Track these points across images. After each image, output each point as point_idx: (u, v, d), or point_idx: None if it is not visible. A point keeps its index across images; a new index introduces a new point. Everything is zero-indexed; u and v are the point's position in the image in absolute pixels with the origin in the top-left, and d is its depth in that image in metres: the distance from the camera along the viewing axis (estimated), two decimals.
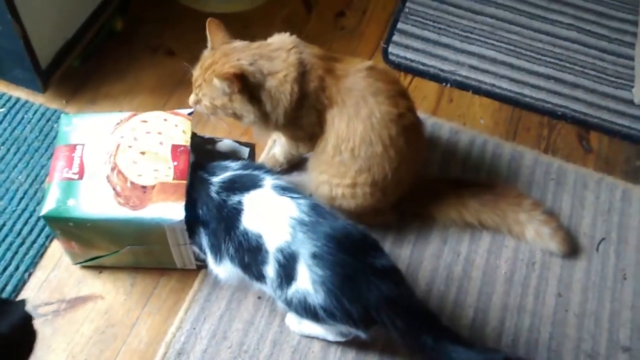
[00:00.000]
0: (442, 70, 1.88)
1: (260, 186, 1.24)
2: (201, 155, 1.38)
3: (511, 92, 1.85)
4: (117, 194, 1.26)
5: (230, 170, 1.29)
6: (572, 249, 1.55)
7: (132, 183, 1.27)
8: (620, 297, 1.52)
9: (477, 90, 1.85)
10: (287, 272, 1.18)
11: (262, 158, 1.64)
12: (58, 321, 1.39)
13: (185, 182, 1.27)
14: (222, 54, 1.32)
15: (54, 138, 1.43)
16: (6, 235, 1.47)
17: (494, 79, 1.88)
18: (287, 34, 1.36)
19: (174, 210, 1.24)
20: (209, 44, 1.38)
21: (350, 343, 1.36)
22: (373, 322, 1.17)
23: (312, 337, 1.39)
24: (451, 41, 1.95)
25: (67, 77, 1.73)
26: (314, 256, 1.15)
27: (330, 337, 1.35)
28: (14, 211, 1.51)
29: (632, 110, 1.85)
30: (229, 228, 1.22)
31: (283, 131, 1.43)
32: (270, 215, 1.20)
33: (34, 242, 1.47)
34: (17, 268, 1.43)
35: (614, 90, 1.89)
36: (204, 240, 1.28)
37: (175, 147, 1.31)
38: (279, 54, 1.31)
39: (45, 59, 1.62)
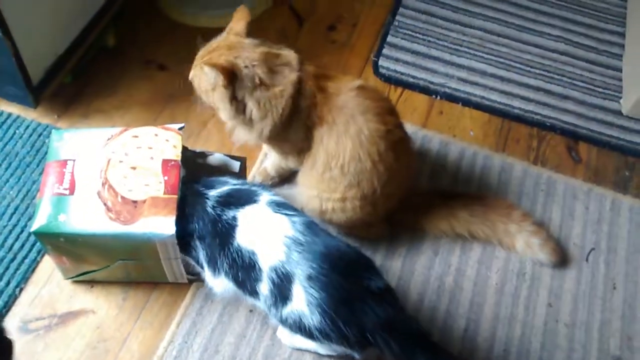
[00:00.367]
0: (432, 83, 1.90)
1: (255, 201, 1.24)
2: (192, 170, 1.38)
3: (500, 104, 1.87)
4: (108, 209, 1.26)
5: (229, 185, 1.29)
6: (561, 259, 1.56)
7: (123, 198, 1.27)
8: (610, 307, 1.52)
9: (467, 103, 1.87)
10: (281, 292, 1.18)
11: (253, 171, 1.65)
12: (50, 336, 1.38)
13: (176, 196, 1.28)
14: (227, 45, 1.33)
15: (46, 153, 1.44)
16: None
17: (483, 91, 1.89)
18: (292, 51, 1.37)
19: (164, 225, 1.25)
20: (226, 29, 1.38)
21: (342, 357, 1.37)
22: (368, 343, 1.17)
23: (304, 351, 1.39)
24: (441, 54, 1.97)
25: (59, 93, 1.74)
26: (310, 278, 1.15)
27: (322, 351, 1.36)
28: (5, 226, 1.51)
29: (620, 121, 1.87)
30: (224, 243, 1.22)
31: (268, 144, 1.45)
32: (265, 232, 1.20)
33: (25, 257, 1.47)
34: (8, 283, 1.43)
35: (602, 101, 1.91)
36: (201, 254, 1.28)
37: (166, 162, 1.32)
38: (282, 69, 1.32)
39: (37, 75, 1.62)
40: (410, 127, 1.76)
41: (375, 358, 1.31)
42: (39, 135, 1.66)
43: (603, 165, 1.78)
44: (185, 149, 1.40)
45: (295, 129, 1.36)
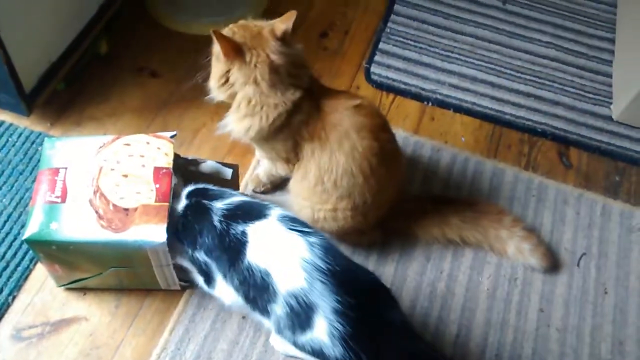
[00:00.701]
0: (424, 89, 1.91)
1: (265, 216, 1.21)
2: (184, 177, 1.39)
3: (492, 110, 1.88)
4: (100, 217, 1.27)
5: (235, 197, 1.27)
6: (552, 264, 1.56)
7: (114, 206, 1.28)
8: (601, 312, 1.53)
9: (458, 109, 1.88)
10: (301, 319, 1.15)
11: (246, 178, 1.66)
12: (42, 344, 1.38)
13: (167, 204, 1.28)
14: (255, 33, 1.31)
15: (39, 161, 1.44)
16: None
17: (474, 98, 1.90)
18: (309, 70, 1.37)
19: (156, 233, 1.25)
20: (272, 21, 1.35)
21: None
22: None
23: (297, 358, 1.39)
24: (432, 60, 1.98)
25: (51, 100, 1.74)
26: (336, 312, 1.11)
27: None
28: None
29: (610, 126, 1.88)
30: (233, 259, 1.20)
31: (256, 145, 1.46)
32: (279, 252, 1.17)
33: (18, 265, 1.47)
34: (1, 291, 1.43)
35: (592, 106, 1.92)
36: (214, 267, 1.26)
37: (157, 170, 1.33)
38: (289, 85, 1.32)
39: (30, 83, 1.63)
40: (402, 134, 1.78)
41: None
42: (32, 143, 1.66)
43: (594, 171, 1.79)
44: (177, 157, 1.41)
45: (283, 140, 1.37)
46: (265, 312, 1.21)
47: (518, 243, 1.53)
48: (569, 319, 1.52)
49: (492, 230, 1.54)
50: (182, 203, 1.30)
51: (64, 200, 1.29)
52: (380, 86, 1.91)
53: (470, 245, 1.58)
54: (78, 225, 1.27)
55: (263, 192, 1.63)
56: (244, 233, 1.19)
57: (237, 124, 1.37)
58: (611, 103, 1.93)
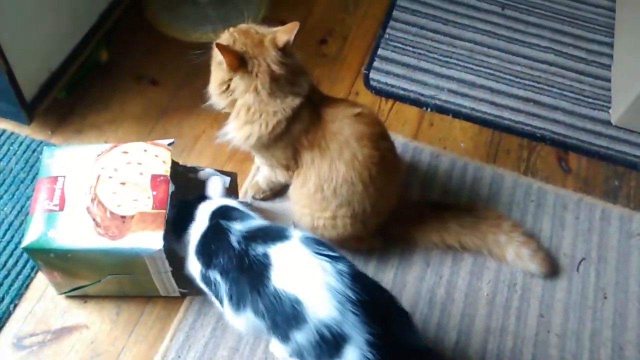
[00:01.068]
0: (423, 95, 1.91)
1: (287, 237, 1.18)
2: (183, 184, 1.40)
3: (491, 115, 1.88)
4: (97, 225, 1.28)
5: (254, 219, 1.26)
6: (552, 269, 1.56)
7: (111, 213, 1.29)
8: (601, 316, 1.53)
9: (457, 114, 1.88)
10: (330, 349, 1.12)
11: (245, 185, 1.67)
12: (44, 352, 1.39)
13: (164, 211, 1.29)
14: (257, 41, 1.32)
15: None
16: None
17: (473, 103, 1.91)
18: (308, 78, 1.37)
19: (152, 240, 1.26)
20: (275, 29, 1.35)
21: None
22: None
23: None
24: (431, 66, 1.98)
25: (52, 109, 1.75)
26: (369, 343, 1.09)
27: None
28: None
29: (609, 130, 1.88)
30: (256, 283, 1.15)
31: (256, 153, 1.46)
32: (307, 278, 1.12)
33: (19, 273, 1.48)
34: (2, 300, 1.44)
35: (591, 111, 1.92)
36: (222, 289, 1.22)
37: (155, 177, 1.33)
38: (288, 93, 1.33)
39: (30, 92, 1.64)
40: (401, 139, 1.79)
41: None
42: (33, 152, 1.68)
43: (593, 175, 1.79)
44: (176, 164, 1.42)
45: (283, 148, 1.38)
46: (285, 338, 1.16)
47: (517, 248, 1.53)
48: (569, 324, 1.51)
49: (491, 235, 1.54)
50: (205, 223, 1.28)
51: (62, 209, 1.30)
52: (379, 92, 1.91)
53: (469, 250, 1.58)
54: (76, 233, 1.27)
55: (263, 199, 1.63)
56: (265, 255, 1.15)
57: (237, 132, 1.38)
58: (610, 107, 1.93)
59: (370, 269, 1.55)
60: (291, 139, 1.36)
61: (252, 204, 1.61)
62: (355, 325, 1.09)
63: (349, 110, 1.38)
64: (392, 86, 1.93)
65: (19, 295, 1.46)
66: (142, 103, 1.82)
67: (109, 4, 1.83)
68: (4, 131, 1.70)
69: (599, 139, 1.86)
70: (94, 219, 1.28)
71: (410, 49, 2.02)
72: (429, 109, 1.89)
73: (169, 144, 1.40)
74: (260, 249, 1.16)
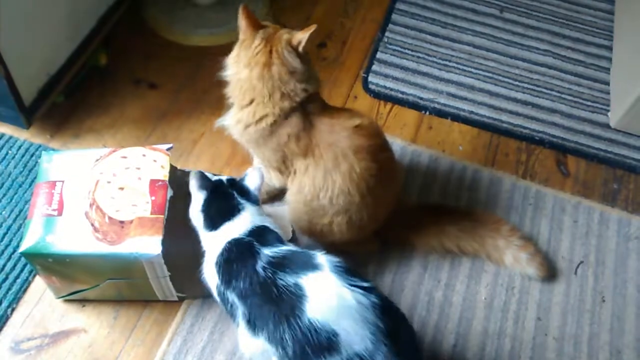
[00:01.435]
0: (421, 99, 1.91)
1: (317, 267, 1.15)
2: (182, 189, 1.39)
3: (489, 118, 1.89)
4: (96, 230, 1.28)
5: (283, 244, 1.23)
6: (549, 273, 1.56)
7: (110, 218, 1.29)
8: (599, 320, 1.53)
9: (456, 118, 1.88)
10: None
11: None
12: (41, 356, 1.39)
13: (162, 216, 1.29)
14: (274, 37, 1.34)
15: None
16: None
17: (472, 106, 1.91)
18: (303, 85, 1.36)
19: (151, 245, 1.26)
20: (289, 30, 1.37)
21: None
22: None
23: None
24: (430, 69, 1.98)
25: (51, 113, 1.76)
26: None
27: None
28: None
29: (608, 134, 1.88)
30: (286, 313, 1.12)
31: (250, 150, 1.46)
32: (344, 311, 1.11)
33: (17, 277, 1.48)
34: (0, 304, 1.44)
35: (590, 114, 1.92)
36: (239, 312, 1.20)
37: (153, 182, 1.34)
38: (282, 94, 1.33)
39: (29, 96, 1.64)
40: (399, 143, 1.79)
41: None
42: (32, 156, 1.68)
43: (591, 179, 1.79)
44: (174, 169, 1.42)
45: (272, 150, 1.38)
46: None
47: (515, 252, 1.53)
48: (567, 327, 1.51)
49: (489, 239, 1.54)
50: (237, 234, 1.24)
51: (60, 213, 1.30)
52: (377, 95, 1.92)
53: (467, 254, 1.58)
54: (74, 238, 1.28)
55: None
56: (298, 286, 1.12)
57: (232, 116, 1.39)
58: (609, 110, 1.93)
59: (368, 273, 1.55)
60: (279, 142, 1.36)
61: None
62: (386, 356, 1.10)
63: (347, 122, 1.36)
64: (391, 89, 1.93)
65: (16, 299, 1.46)
66: (141, 107, 1.83)
67: (107, 8, 1.84)
68: (2, 135, 1.71)
69: (597, 142, 1.86)
70: (92, 224, 1.29)
71: (409, 52, 2.02)
72: (427, 112, 1.89)
73: (168, 149, 1.41)
74: (290, 279, 1.13)
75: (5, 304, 1.44)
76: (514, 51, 2.06)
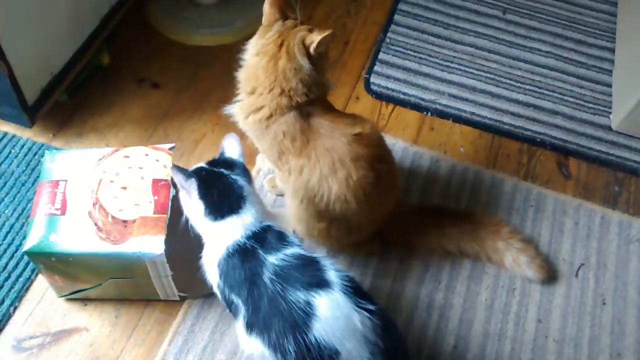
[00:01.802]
0: (423, 100, 1.91)
1: (328, 285, 1.14)
2: None
3: (491, 120, 1.89)
4: (99, 229, 1.28)
5: (289, 245, 1.20)
6: (549, 276, 1.56)
7: (113, 217, 1.30)
8: (599, 323, 1.53)
9: (458, 119, 1.89)
10: None
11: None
12: (43, 355, 1.40)
13: (165, 215, 1.30)
14: (293, 23, 1.34)
15: None
16: None
17: (473, 108, 1.91)
18: (303, 87, 1.33)
19: (154, 244, 1.27)
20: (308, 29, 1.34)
21: None
22: None
23: None
24: (432, 70, 1.99)
25: (54, 112, 1.76)
26: None
27: None
28: None
29: (610, 136, 1.89)
30: (293, 329, 1.12)
31: (253, 139, 1.44)
32: (348, 331, 1.13)
33: (19, 276, 1.49)
34: (2, 302, 1.45)
35: (592, 116, 1.93)
36: (241, 312, 1.19)
37: (156, 182, 1.34)
38: (280, 92, 1.31)
39: (32, 95, 1.65)
40: (401, 144, 1.80)
41: None
42: (34, 154, 1.68)
43: (593, 181, 1.79)
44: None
45: (269, 143, 1.36)
46: None
47: (515, 255, 1.53)
48: (567, 330, 1.52)
49: (489, 241, 1.54)
50: (237, 236, 1.21)
51: (63, 213, 1.31)
52: (379, 96, 1.92)
53: (468, 256, 1.58)
54: (77, 237, 1.28)
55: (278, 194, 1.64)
56: (309, 304, 1.12)
57: (237, 105, 1.37)
58: (610, 113, 1.93)
59: (369, 274, 1.56)
60: (275, 136, 1.33)
61: None
62: None
63: (348, 129, 1.34)
64: (393, 90, 1.93)
65: (19, 297, 1.46)
66: (143, 106, 1.83)
67: (110, 8, 1.84)
68: (5, 134, 1.71)
69: (599, 145, 1.86)
70: (95, 223, 1.29)
71: (411, 53, 2.03)
72: (429, 114, 1.90)
73: (170, 149, 1.41)
74: (301, 295, 1.12)
75: (7, 302, 1.45)
76: (516, 53, 2.06)
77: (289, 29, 1.31)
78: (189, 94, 1.87)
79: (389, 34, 2.07)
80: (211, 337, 1.44)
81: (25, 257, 1.50)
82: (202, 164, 1.26)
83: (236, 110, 1.38)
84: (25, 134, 1.72)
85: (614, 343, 1.50)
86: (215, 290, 1.25)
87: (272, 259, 1.17)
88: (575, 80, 2.01)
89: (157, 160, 1.38)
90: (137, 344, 1.43)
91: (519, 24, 2.15)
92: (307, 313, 1.11)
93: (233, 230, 1.21)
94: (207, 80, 1.90)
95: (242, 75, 1.36)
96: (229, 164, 1.25)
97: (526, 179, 1.78)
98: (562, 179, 1.79)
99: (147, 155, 1.39)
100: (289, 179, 1.38)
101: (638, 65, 1.91)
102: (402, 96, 1.92)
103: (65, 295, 1.45)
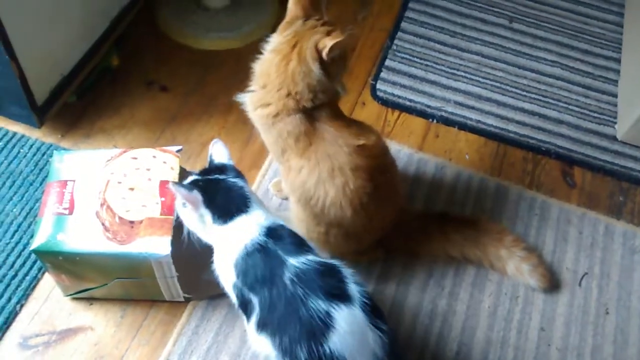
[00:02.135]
0: (429, 107, 1.93)
1: (350, 300, 1.15)
2: None
3: (496, 128, 1.90)
4: (106, 229, 1.30)
5: (311, 253, 1.20)
6: (551, 285, 1.57)
7: (120, 218, 1.31)
8: (602, 332, 1.54)
9: (463, 126, 1.89)
10: None
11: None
12: (49, 353, 1.41)
13: (172, 217, 1.31)
14: (313, 24, 1.29)
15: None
16: None
17: (479, 115, 1.92)
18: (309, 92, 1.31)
19: (160, 245, 1.28)
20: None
21: None
22: None
23: None
24: (438, 78, 2.00)
25: (63, 112, 1.78)
26: None
27: None
28: (7, 244, 1.54)
29: (615, 146, 1.89)
30: (309, 336, 1.11)
31: (260, 131, 1.43)
32: (360, 347, 1.14)
33: (26, 274, 1.50)
34: (9, 300, 1.46)
35: (597, 126, 1.93)
36: (255, 312, 1.19)
37: (163, 183, 1.35)
38: (287, 93, 1.31)
39: (42, 96, 1.66)
40: (406, 150, 1.81)
41: None
42: (43, 154, 1.70)
43: (597, 190, 1.80)
44: (183, 171, 1.44)
45: (273, 139, 1.36)
46: None
47: (517, 263, 1.53)
48: (570, 338, 1.52)
49: (492, 248, 1.54)
50: (253, 235, 1.21)
51: (71, 212, 1.32)
52: (385, 103, 1.93)
53: (471, 262, 1.58)
54: (84, 236, 1.29)
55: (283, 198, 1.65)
56: (329, 315, 1.12)
57: (248, 95, 1.36)
58: (616, 123, 1.94)
59: (372, 279, 1.56)
60: (279, 134, 1.33)
61: None
62: None
63: (352, 139, 1.32)
64: (399, 97, 1.94)
65: (25, 295, 1.47)
66: (152, 109, 1.84)
67: (120, 11, 1.86)
68: (15, 134, 1.73)
69: (604, 154, 1.87)
70: (102, 224, 1.30)
71: (418, 60, 2.04)
72: (435, 121, 1.90)
73: (178, 151, 1.42)
74: (322, 304, 1.12)
75: (14, 300, 1.46)
76: (522, 61, 2.07)
77: (306, 30, 1.27)
78: (197, 97, 1.88)
79: (395, 41, 2.08)
80: (215, 339, 1.45)
81: (33, 256, 1.51)
82: (194, 176, 1.26)
83: (247, 100, 1.37)
84: (34, 134, 1.74)
85: (616, 352, 1.50)
86: (230, 291, 1.24)
87: (293, 261, 1.16)
88: (581, 90, 2.02)
89: (164, 162, 1.39)
90: (141, 344, 1.44)
91: (525, 33, 2.16)
92: (327, 324, 1.11)
93: (247, 229, 1.21)
94: (214, 84, 1.92)
95: (257, 67, 1.35)
96: (221, 169, 1.26)
97: (531, 187, 1.78)
98: (567, 188, 1.80)
99: (154, 157, 1.40)
100: (289, 176, 1.38)
101: None
102: (408, 103, 1.93)
103: (71, 294, 1.46)
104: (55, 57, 1.68)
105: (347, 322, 1.12)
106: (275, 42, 1.31)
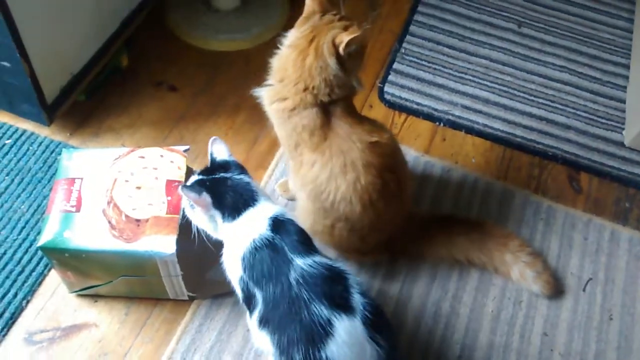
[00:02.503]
0: (436, 110, 1.93)
1: (352, 311, 1.16)
2: None
3: (503, 132, 1.90)
4: (112, 227, 1.31)
5: (319, 255, 1.21)
6: (555, 292, 1.56)
7: (126, 216, 1.32)
8: (606, 338, 1.53)
9: (470, 130, 1.90)
10: None
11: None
12: (53, 348, 1.42)
13: (178, 216, 1.32)
14: (330, 20, 1.31)
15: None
16: (6, 264, 1.51)
17: (486, 119, 1.92)
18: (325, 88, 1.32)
19: (166, 244, 1.29)
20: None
21: None
22: None
23: None
24: (446, 81, 2.00)
25: (72, 111, 1.79)
26: None
27: None
28: (15, 240, 1.55)
29: (622, 152, 1.88)
30: (308, 341, 1.12)
31: (274, 124, 1.44)
32: (357, 358, 1.15)
33: (33, 270, 1.52)
34: (15, 295, 1.47)
35: (605, 132, 1.93)
36: (258, 307, 1.19)
37: (169, 183, 1.36)
38: (305, 89, 1.32)
39: (52, 94, 1.68)
40: (413, 153, 1.81)
41: None
42: (52, 152, 1.71)
43: (603, 196, 1.79)
44: (190, 170, 1.45)
45: (287, 133, 1.37)
46: None
47: (522, 269, 1.53)
48: (573, 344, 1.52)
49: (497, 252, 1.54)
50: (262, 229, 1.21)
51: (78, 210, 1.34)
52: (393, 105, 1.93)
53: (476, 266, 1.58)
54: (91, 234, 1.31)
55: (289, 199, 1.65)
56: (330, 323, 1.12)
57: (265, 89, 1.38)
58: (624, 129, 1.93)
59: (377, 281, 1.57)
60: (294, 128, 1.35)
61: None
62: None
63: (365, 136, 1.34)
64: (406, 100, 1.94)
65: (31, 291, 1.49)
66: (160, 109, 1.86)
67: (131, 11, 1.87)
68: (24, 131, 1.75)
69: (611, 160, 1.86)
70: (109, 222, 1.32)
71: (426, 64, 2.04)
72: (442, 124, 1.91)
73: (185, 151, 1.44)
74: (325, 311, 1.13)
75: (20, 296, 1.48)
76: (530, 66, 2.07)
77: (323, 25, 1.28)
78: (206, 98, 1.90)
79: (404, 44, 2.09)
80: (218, 338, 1.46)
81: (39, 252, 1.52)
82: (197, 176, 1.26)
83: (264, 94, 1.38)
84: (44, 132, 1.75)
85: (620, 359, 1.50)
86: (236, 285, 1.25)
87: (300, 262, 1.17)
88: (589, 96, 2.01)
89: (171, 162, 1.40)
90: (145, 341, 1.45)
91: (534, 38, 2.16)
92: (327, 331, 1.12)
93: (256, 222, 1.21)
94: (223, 85, 1.93)
95: (275, 62, 1.36)
96: (224, 166, 1.27)
97: (537, 192, 1.78)
98: (573, 194, 1.79)
99: (162, 156, 1.41)
100: (300, 170, 1.39)
101: None
102: (415, 106, 1.93)
103: (77, 291, 1.47)
104: (65, 56, 1.70)
105: (346, 333, 1.13)
106: (292, 37, 1.33)
